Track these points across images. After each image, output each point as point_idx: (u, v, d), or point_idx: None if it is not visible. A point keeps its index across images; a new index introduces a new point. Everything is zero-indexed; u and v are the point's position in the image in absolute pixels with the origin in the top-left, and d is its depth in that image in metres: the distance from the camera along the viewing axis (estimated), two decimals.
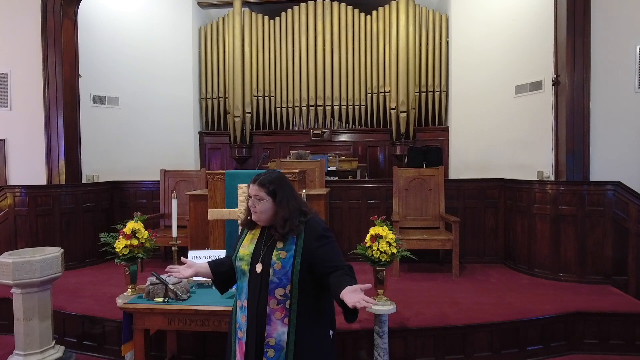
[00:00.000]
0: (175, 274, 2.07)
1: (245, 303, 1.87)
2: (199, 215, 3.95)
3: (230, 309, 2.48)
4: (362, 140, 7.74)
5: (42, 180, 5.35)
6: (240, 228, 2.18)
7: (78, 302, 3.81)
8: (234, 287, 2.07)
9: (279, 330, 1.82)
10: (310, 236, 1.86)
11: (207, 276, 2.12)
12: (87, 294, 4.06)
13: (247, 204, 1.95)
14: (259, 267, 1.85)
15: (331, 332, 2.00)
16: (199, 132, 7.91)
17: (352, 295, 1.62)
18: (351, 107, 7.68)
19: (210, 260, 2.18)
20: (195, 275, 2.09)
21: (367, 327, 3.14)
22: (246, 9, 7.80)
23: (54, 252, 3.14)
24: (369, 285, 1.70)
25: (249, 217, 1.98)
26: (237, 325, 1.92)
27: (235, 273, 1.97)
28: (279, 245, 1.85)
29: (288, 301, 1.82)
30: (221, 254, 3.02)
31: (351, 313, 1.71)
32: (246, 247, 1.94)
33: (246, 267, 1.89)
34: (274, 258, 1.83)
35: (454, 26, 7.16)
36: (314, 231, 1.88)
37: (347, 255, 4.98)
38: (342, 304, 1.66)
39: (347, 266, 1.85)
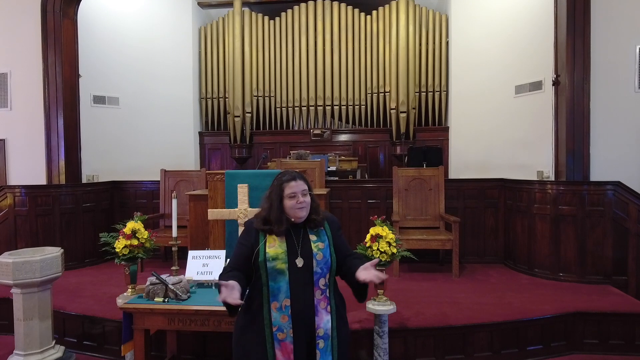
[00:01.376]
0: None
1: (287, 302, 1.86)
2: (199, 215, 3.96)
3: None
4: (362, 140, 7.74)
5: (42, 180, 5.35)
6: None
7: (78, 302, 3.81)
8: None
9: (324, 319, 1.90)
10: (331, 223, 2.07)
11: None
12: (87, 294, 4.06)
13: (287, 203, 1.92)
14: (300, 262, 1.90)
15: None
16: (199, 132, 7.91)
17: (364, 273, 1.86)
18: (351, 107, 7.68)
19: (232, 278, 1.88)
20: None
21: (367, 327, 3.14)
22: (246, 9, 7.80)
23: (54, 252, 3.14)
24: (377, 260, 1.97)
25: (282, 221, 1.93)
26: (274, 329, 1.86)
27: (265, 276, 1.89)
28: (313, 237, 1.96)
29: (328, 289, 1.93)
30: (221, 254, 3.02)
31: (361, 293, 1.99)
32: (276, 247, 1.91)
33: (284, 265, 1.88)
34: (314, 249, 1.93)
35: (454, 26, 7.16)
36: (334, 222, 2.10)
37: None
38: (354, 283, 1.93)
39: (355, 252, 2.19)
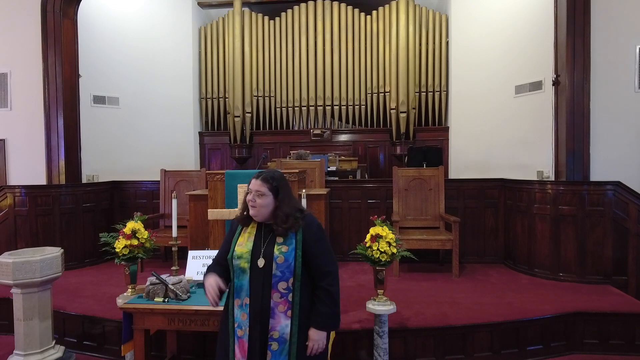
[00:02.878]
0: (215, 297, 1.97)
1: (247, 300, 1.90)
2: (199, 215, 3.96)
3: None
4: (362, 140, 7.74)
5: (42, 180, 5.35)
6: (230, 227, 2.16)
7: (78, 302, 3.81)
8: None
9: (282, 323, 1.87)
10: (308, 231, 1.95)
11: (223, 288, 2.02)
12: (87, 294, 4.06)
13: (245, 199, 1.99)
14: (261, 262, 1.90)
15: None
16: (199, 132, 7.92)
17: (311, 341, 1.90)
18: (351, 107, 7.68)
19: (213, 271, 2.03)
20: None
21: (367, 327, 3.14)
22: (246, 9, 7.80)
23: (54, 252, 3.14)
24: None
25: (245, 213, 2.02)
26: (235, 325, 1.93)
27: (232, 273, 1.97)
28: (279, 240, 1.92)
29: (290, 294, 1.89)
30: None
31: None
32: (243, 245, 1.96)
33: (246, 265, 1.91)
34: (276, 252, 1.89)
35: (454, 26, 7.16)
36: (311, 226, 1.97)
37: (347, 255, 5.00)
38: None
39: (332, 274, 1.95)
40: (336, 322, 1.96)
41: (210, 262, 2.96)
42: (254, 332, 1.88)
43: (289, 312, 1.88)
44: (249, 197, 1.96)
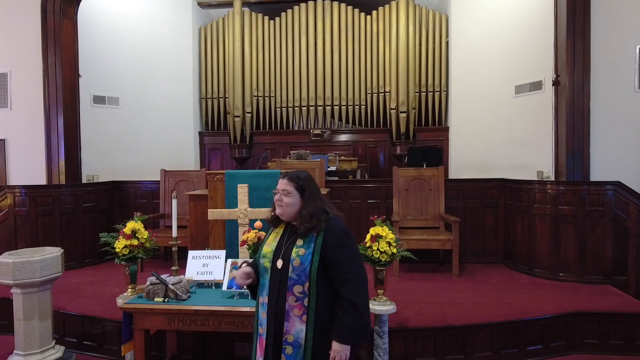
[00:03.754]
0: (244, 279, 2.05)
1: (266, 299, 1.90)
2: (199, 215, 3.95)
3: (230, 309, 2.50)
4: (362, 140, 7.74)
5: (42, 180, 5.35)
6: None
7: (78, 302, 3.81)
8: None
9: (297, 327, 1.84)
10: (329, 236, 1.89)
11: (255, 280, 2.07)
12: (87, 294, 4.06)
13: (274, 198, 1.99)
14: (279, 263, 1.89)
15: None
16: (199, 132, 7.91)
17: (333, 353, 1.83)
18: (351, 107, 7.68)
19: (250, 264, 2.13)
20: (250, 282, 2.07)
21: None
22: (246, 9, 7.80)
23: (54, 252, 3.14)
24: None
25: (273, 213, 2.02)
26: (258, 322, 1.95)
27: (260, 271, 2.00)
28: (299, 242, 1.90)
29: (306, 299, 1.85)
30: (221, 254, 3.03)
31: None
32: (269, 245, 1.97)
33: (268, 264, 1.92)
34: (293, 255, 1.88)
35: (454, 26, 7.16)
36: (333, 231, 1.90)
37: None
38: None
39: (352, 283, 1.84)
40: (362, 334, 1.85)
41: (210, 262, 2.99)
42: (270, 331, 1.88)
43: (304, 317, 1.84)
44: (276, 196, 1.96)
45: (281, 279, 1.87)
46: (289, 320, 1.85)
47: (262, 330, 1.90)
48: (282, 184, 1.96)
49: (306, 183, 1.97)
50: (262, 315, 1.91)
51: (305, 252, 1.87)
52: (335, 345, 1.82)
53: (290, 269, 1.86)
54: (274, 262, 1.91)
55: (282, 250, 1.91)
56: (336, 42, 7.69)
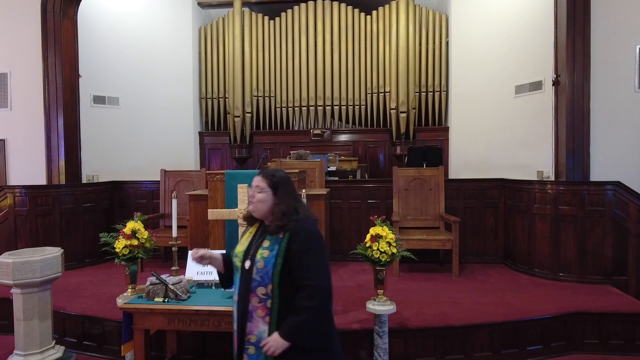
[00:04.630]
0: (196, 256, 2.12)
1: (236, 298, 1.94)
2: (199, 215, 3.95)
3: (229, 309, 2.50)
4: (362, 140, 7.74)
5: (42, 180, 5.35)
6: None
7: (78, 302, 3.81)
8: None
9: (260, 328, 1.84)
10: (294, 239, 1.86)
11: (218, 267, 2.16)
12: (87, 294, 4.06)
13: (248, 195, 2.04)
14: (247, 264, 1.90)
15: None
16: (199, 132, 7.91)
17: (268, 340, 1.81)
18: (351, 107, 7.68)
19: (225, 252, 2.21)
20: (210, 263, 2.15)
21: (367, 327, 3.14)
22: (246, 9, 7.80)
23: (54, 252, 3.14)
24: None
25: (248, 210, 2.05)
26: (233, 319, 1.98)
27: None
28: (265, 244, 1.89)
29: (269, 300, 1.84)
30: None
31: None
32: (242, 244, 2.00)
33: (239, 264, 1.95)
34: (257, 256, 1.88)
35: (454, 26, 7.16)
36: (298, 235, 1.86)
37: (347, 255, 5.00)
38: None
39: (310, 288, 1.79)
40: (305, 337, 1.80)
41: None
42: (238, 329, 1.91)
43: (267, 318, 1.83)
44: (250, 192, 1.98)
45: (247, 279, 1.88)
46: (252, 321, 1.85)
47: (235, 326, 1.94)
48: (256, 180, 1.98)
49: (280, 181, 1.96)
50: (235, 313, 1.95)
51: (269, 254, 1.86)
52: (274, 335, 1.79)
53: (255, 271, 1.86)
54: (243, 262, 1.93)
55: (251, 251, 1.92)
56: (336, 42, 7.69)
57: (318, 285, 1.80)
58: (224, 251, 2.32)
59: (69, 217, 5.07)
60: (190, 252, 2.09)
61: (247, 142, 7.78)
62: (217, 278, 2.90)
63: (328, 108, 7.73)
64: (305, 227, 1.89)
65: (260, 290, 1.84)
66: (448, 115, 7.41)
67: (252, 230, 2.03)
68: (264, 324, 1.83)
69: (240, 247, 1.98)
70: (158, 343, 3.32)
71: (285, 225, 1.87)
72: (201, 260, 2.11)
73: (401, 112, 7.31)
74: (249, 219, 2.05)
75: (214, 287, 2.89)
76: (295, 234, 1.86)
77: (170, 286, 2.62)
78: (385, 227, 2.88)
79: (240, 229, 3.02)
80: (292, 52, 7.78)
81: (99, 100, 6.39)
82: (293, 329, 1.78)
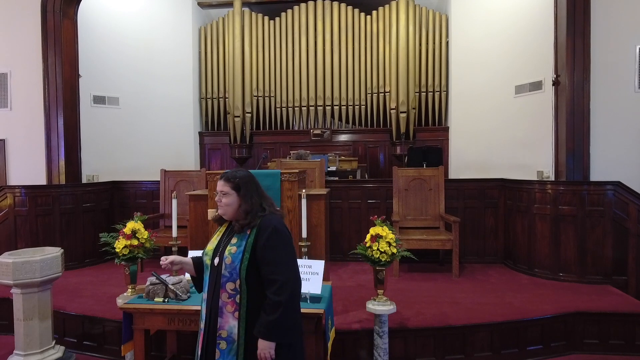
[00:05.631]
0: (165, 262, 2.16)
1: (205, 295, 1.97)
2: (199, 215, 3.95)
3: None
4: (362, 140, 7.74)
5: (42, 180, 5.35)
6: None
7: (78, 302, 3.81)
8: None
9: (230, 324, 1.89)
10: (260, 235, 1.91)
11: (191, 272, 2.20)
12: (87, 294, 4.06)
13: (215, 199, 2.04)
14: (216, 261, 1.94)
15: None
16: (199, 132, 7.91)
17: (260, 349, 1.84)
18: (351, 107, 7.68)
19: (195, 257, 2.24)
20: (181, 268, 2.19)
21: (367, 327, 3.14)
22: (246, 9, 7.80)
23: (54, 252, 3.14)
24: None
25: (217, 213, 2.08)
26: (200, 318, 2.01)
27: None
28: (233, 241, 1.95)
29: (238, 296, 1.89)
30: None
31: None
32: (212, 243, 2.04)
33: (208, 262, 1.99)
34: (226, 253, 1.92)
35: (454, 26, 7.16)
36: (264, 231, 1.91)
37: (347, 255, 5.00)
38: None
39: (277, 283, 1.83)
40: (281, 333, 1.83)
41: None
42: (207, 327, 1.93)
43: (236, 314, 1.88)
44: (217, 197, 2.00)
45: (217, 276, 1.92)
46: (222, 317, 1.89)
47: (202, 325, 1.96)
48: (219, 185, 2.00)
49: (242, 181, 1.98)
50: (204, 312, 1.97)
51: (236, 250, 1.91)
52: (259, 342, 1.84)
53: (223, 267, 1.90)
54: (213, 259, 1.96)
55: (220, 248, 1.96)
56: (336, 42, 7.69)
57: (285, 280, 1.84)
58: (195, 254, 2.37)
59: (69, 217, 5.07)
60: (160, 259, 2.12)
61: (247, 142, 7.78)
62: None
63: (328, 108, 7.73)
64: (270, 223, 1.93)
65: (230, 286, 1.89)
66: (448, 115, 7.41)
67: (222, 229, 2.07)
68: (234, 319, 1.88)
69: (210, 246, 2.02)
70: (158, 343, 3.32)
71: (250, 223, 1.92)
72: (171, 265, 2.14)
73: (401, 112, 7.31)
74: (219, 220, 2.08)
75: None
76: (260, 230, 1.91)
77: (170, 286, 2.62)
78: (385, 227, 2.87)
79: None
80: (292, 52, 7.78)
81: (99, 100, 6.39)
82: (272, 327, 1.82)
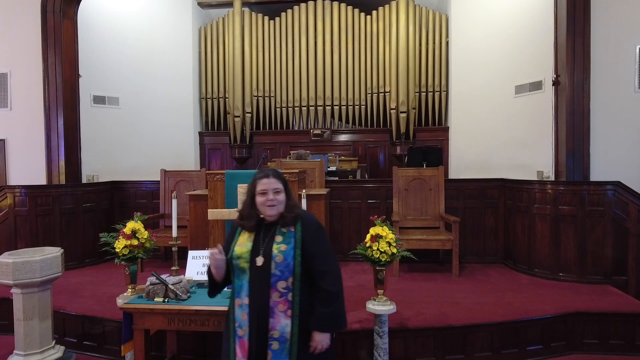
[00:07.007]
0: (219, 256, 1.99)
1: (246, 300, 1.90)
2: (199, 215, 3.95)
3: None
4: (362, 140, 7.74)
5: (42, 180, 5.35)
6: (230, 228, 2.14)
7: (78, 302, 3.81)
8: (227, 287, 2.12)
9: (282, 323, 1.86)
10: (306, 230, 1.94)
11: (220, 274, 2.02)
12: (87, 294, 4.06)
13: (258, 200, 1.95)
14: (259, 261, 1.89)
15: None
16: (199, 132, 7.92)
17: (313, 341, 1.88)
18: (351, 107, 7.68)
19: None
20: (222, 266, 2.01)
21: (367, 327, 3.14)
22: (246, 9, 7.81)
23: (54, 252, 3.14)
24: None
25: (242, 217, 2.02)
26: (236, 325, 1.93)
27: (232, 273, 1.99)
28: (278, 239, 1.92)
29: (290, 294, 1.87)
30: None
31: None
32: (243, 245, 1.96)
33: (245, 264, 1.92)
34: (274, 251, 1.89)
35: (454, 26, 7.16)
36: (310, 226, 1.96)
37: (347, 255, 4.99)
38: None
39: (330, 273, 1.91)
40: (339, 322, 1.92)
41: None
42: (253, 331, 1.88)
43: (289, 312, 1.87)
44: (268, 196, 1.93)
45: (263, 276, 1.88)
46: (273, 317, 1.87)
47: (243, 332, 1.90)
48: (272, 183, 1.96)
49: (285, 177, 2.03)
50: (242, 317, 1.91)
51: (287, 247, 1.89)
52: (316, 335, 1.87)
53: (273, 266, 1.87)
54: (252, 261, 1.91)
55: (261, 249, 1.91)
56: (336, 42, 7.69)
57: (335, 270, 1.94)
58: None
59: (69, 217, 5.07)
60: (209, 251, 1.99)
61: (247, 142, 7.78)
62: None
63: (328, 108, 7.73)
64: (312, 218, 2.01)
65: (281, 285, 1.87)
66: (448, 115, 7.41)
67: (247, 232, 2.00)
68: (286, 318, 1.87)
69: (242, 249, 1.95)
70: (158, 343, 3.32)
71: (295, 217, 1.94)
72: (218, 265, 1.97)
73: (401, 112, 7.31)
74: (253, 224, 1.97)
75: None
76: (306, 226, 1.95)
77: (170, 286, 2.62)
78: (385, 227, 2.87)
79: None
80: (292, 52, 7.78)
81: (99, 100, 6.39)
82: (329, 319, 1.87)
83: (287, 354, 1.87)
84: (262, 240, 1.94)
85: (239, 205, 3.03)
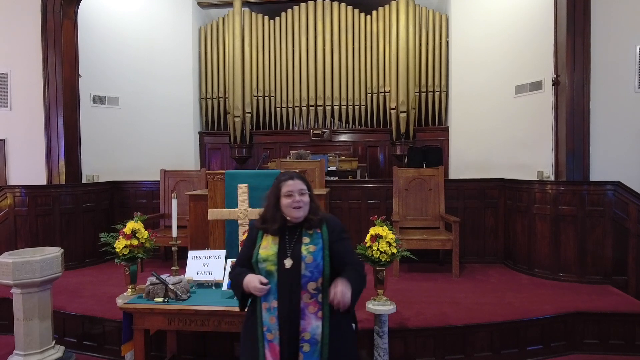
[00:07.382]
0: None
1: (275, 303, 1.87)
2: (199, 215, 3.95)
3: (230, 309, 2.49)
4: (362, 140, 7.74)
5: (42, 180, 5.35)
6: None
7: (78, 302, 3.81)
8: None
9: (313, 324, 1.85)
10: (332, 231, 1.97)
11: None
12: (87, 294, 4.06)
13: (284, 202, 1.93)
14: (288, 263, 1.88)
15: (354, 325, 2.07)
16: (199, 132, 7.92)
17: (332, 289, 1.83)
18: (351, 107, 7.68)
19: (243, 273, 1.99)
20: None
21: (367, 327, 3.13)
22: (246, 9, 7.81)
23: (54, 252, 3.14)
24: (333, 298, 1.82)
25: (264, 221, 2.00)
26: (264, 329, 1.89)
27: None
28: (306, 240, 1.92)
29: (320, 295, 1.87)
30: (221, 254, 3.02)
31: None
32: (268, 248, 1.93)
33: (273, 267, 1.89)
34: (304, 252, 1.88)
35: (454, 26, 7.16)
36: (334, 227, 1.99)
37: None
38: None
39: (359, 263, 2.03)
40: (361, 287, 1.95)
41: (210, 262, 2.98)
42: (284, 334, 1.85)
43: (320, 313, 1.86)
44: (294, 198, 1.91)
45: (293, 278, 1.86)
46: (304, 319, 1.85)
47: (273, 335, 1.86)
48: (298, 184, 1.95)
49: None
50: (271, 321, 1.87)
51: (315, 248, 1.89)
52: (339, 282, 1.83)
53: (303, 267, 1.86)
54: (279, 263, 1.88)
55: (289, 251, 1.90)
56: (336, 42, 7.69)
57: (362, 265, 2.03)
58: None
59: (69, 217, 5.07)
60: (258, 286, 1.88)
61: (247, 142, 7.78)
62: (217, 278, 2.91)
63: (328, 108, 7.73)
64: (335, 219, 2.05)
65: (311, 286, 1.87)
66: (448, 115, 7.41)
67: (271, 236, 1.96)
68: (317, 319, 1.86)
69: (268, 251, 1.92)
70: (158, 343, 3.32)
71: (321, 220, 1.97)
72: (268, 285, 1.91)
73: (401, 112, 7.31)
74: (278, 228, 1.94)
75: (214, 287, 2.89)
76: (331, 227, 1.98)
77: (170, 286, 2.62)
78: (385, 227, 2.87)
79: (241, 229, 3.02)
80: (292, 52, 7.78)
81: (99, 100, 6.39)
82: (356, 280, 1.88)
83: (318, 356, 1.84)
84: (287, 242, 1.93)
85: (239, 205, 3.03)
